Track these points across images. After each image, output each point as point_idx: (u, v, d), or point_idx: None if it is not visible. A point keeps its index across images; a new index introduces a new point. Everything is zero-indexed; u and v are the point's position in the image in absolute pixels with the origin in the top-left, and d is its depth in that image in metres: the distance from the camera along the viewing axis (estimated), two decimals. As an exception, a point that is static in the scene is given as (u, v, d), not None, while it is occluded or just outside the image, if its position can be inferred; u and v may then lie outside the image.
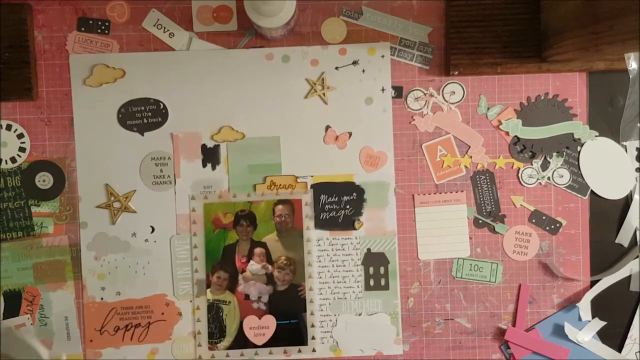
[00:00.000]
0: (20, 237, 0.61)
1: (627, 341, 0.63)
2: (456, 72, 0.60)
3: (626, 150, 0.62)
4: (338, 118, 0.62)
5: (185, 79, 0.61)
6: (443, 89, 0.62)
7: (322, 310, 0.62)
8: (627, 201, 0.63)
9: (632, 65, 0.55)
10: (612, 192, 0.62)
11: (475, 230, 0.62)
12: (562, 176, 0.62)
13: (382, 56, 0.61)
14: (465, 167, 0.62)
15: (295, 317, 0.62)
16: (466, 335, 0.63)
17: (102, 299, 0.62)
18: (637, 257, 0.62)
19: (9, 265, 0.61)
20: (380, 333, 0.62)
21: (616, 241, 0.63)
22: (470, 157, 0.62)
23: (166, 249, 0.62)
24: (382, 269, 0.62)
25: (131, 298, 0.62)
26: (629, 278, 0.62)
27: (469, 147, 0.62)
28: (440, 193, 0.62)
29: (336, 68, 0.61)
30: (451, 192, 0.62)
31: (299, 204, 0.62)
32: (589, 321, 0.62)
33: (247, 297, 0.62)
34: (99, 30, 0.61)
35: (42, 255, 0.61)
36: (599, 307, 0.62)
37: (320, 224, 0.62)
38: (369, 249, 0.62)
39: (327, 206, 0.62)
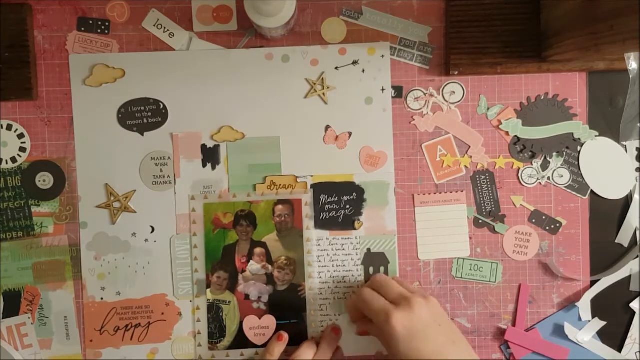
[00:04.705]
0: (20, 237, 0.61)
1: (627, 341, 0.63)
2: (456, 72, 0.60)
3: (626, 150, 0.62)
4: (338, 118, 0.62)
5: (185, 79, 0.61)
6: (443, 89, 0.62)
7: (322, 310, 0.62)
8: (627, 201, 0.63)
9: (632, 65, 0.55)
10: (612, 192, 0.62)
11: (475, 230, 0.62)
12: (562, 176, 0.62)
13: (382, 56, 0.61)
14: (465, 167, 0.62)
15: (296, 317, 0.62)
16: (466, 335, 0.63)
17: (102, 299, 0.62)
18: (637, 257, 0.62)
19: (9, 265, 0.61)
20: (380, 333, 0.62)
21: (616, 241, 0.63)
22: (470, 157, 0.62)
23: (166, 249, 0.62)
24: (382, 269, 0.62)
25: (131, 298, 0.62)
26: (629, 278, 0.62)
27: (469, 147, 0.62)
28: (440, 193, 0.62)
29: (336, 68, 0.61)
30: (451, 192, 0.62)
31: (299, 204, 0.62)
32: (589, 321, 0.62)
33: (247, 297, 0.62)
34: (99, 30, 0.61)
35: (42, 255, 0.61)
36: (599, 307, 0.62)
37: (320, 224, 0.62)
38: (369, 249, 0.62)
39: (327, 206, 0.62)
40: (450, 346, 0.52)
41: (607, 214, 0.63)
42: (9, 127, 0.61)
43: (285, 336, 0.61)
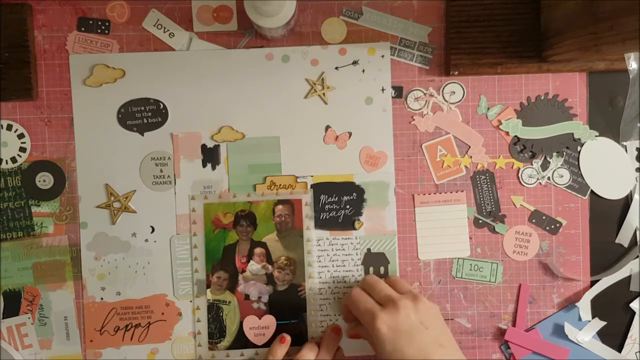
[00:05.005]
0: (21, 237, 0.61)
1: (627, 341, 0.63)
2: (456, 72, 0.60)
3: (626, 150, 0.62)
4: (338, 118, 0.62)
5: (185, 79, 0.61)
6: (443, 89, 0.62)
7: (322, 310, 0.62)
8: (627, 201, 0.63)
9: (632, 65, 0.55)
10: (612, 192, 0.62)
11: (475, 230, 0.62)
12: (562, 176, 0.62)
13: (382, 56, 0.61)
14: (465, 167, 0.62)
15: (295, 317, 0.62)
16: (466, 335, 0.63)
17: (102, 299, 0.62)
18: (637, 257, 0.62)
19: (9, 265, 0.61)
20: (380, 333, 0.62)
21: (616, 241, 0.63)
22: (470, 157, 0.62)
23: (166, 249, 0.62)
24: (382, 269, 0.62)
25: (131, 298, 0.62)
26: (629, 278, 0.62)
27: (469, 147, 0.62)
28: (440, 193, 0.62)
29: (336, 68, 0.61)
30: (451, 192, 0.62)
31: (299, 204, 0.62)
32: (589, 321, 0.62)
33: (247, 297, 0.62)
34: (99, 30, 0.61)
35: (42, 255, 0.61)
36: (599, 307, 0.62)
37: (320, 224, 0.62)
38: (369, 249, 0.62)
39: (327, 206, 0.62)
40: (436, 348, 0.52)
41: (607, 214, 0.63)
42: (9, 127, 0.61)
43: (288, 338, 0.60)
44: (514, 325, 0.63)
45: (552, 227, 0.62)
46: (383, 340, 0.52)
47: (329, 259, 0.62)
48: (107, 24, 0.61)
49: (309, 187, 0.62)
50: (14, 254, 0.61)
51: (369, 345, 0.62)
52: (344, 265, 0.62)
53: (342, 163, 0.62)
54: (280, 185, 0.62)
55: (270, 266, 0.62)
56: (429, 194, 0.62)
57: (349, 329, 0.61)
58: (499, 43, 0.60)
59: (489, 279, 0.63)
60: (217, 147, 0.62)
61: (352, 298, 0.57)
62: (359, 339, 0.61)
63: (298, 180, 0.62)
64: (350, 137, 0.62)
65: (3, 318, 0.61)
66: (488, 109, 0.62)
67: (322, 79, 0.61)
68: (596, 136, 0.62)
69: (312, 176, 0.62)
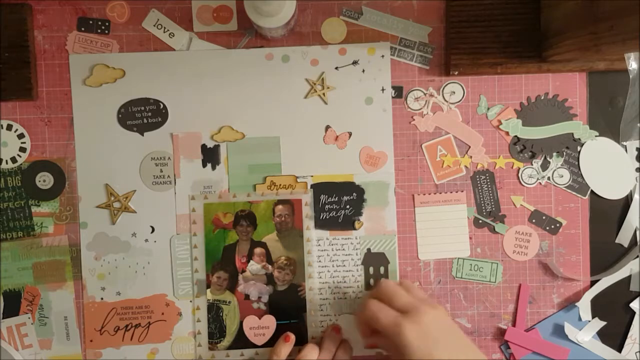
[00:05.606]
0: (21, 237, 0.61)
1: (627, 341, 0.63)
2: (456, 72, 0.60)
3: (626, 150, 0.62)
4: (338, 118, 0.62)
5: (185, 79, 0.61)
6: (443, 89, 0.62)
7: (322, 310, 0.62)
8: (627, 201, 0.63)
9: (632, 65, 0.55)
10: (612, 192, 0.62)
11: (475, 230, 0.62)
12: (562, 176, 0.62)
13: (382, 56, 0.61)
14: (465, 167, 0.62)
15: (296, 317, 0.62)
16: (466, 335, 0.63)
17: (102, 299, 0.62)
18: (637, 257, 0.62)
19: (9, 265, 0.61)
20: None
21: (616, 241, 0.63)
22: (470, 157, 0.62)
23: (166, 249, 0.62)
24: (382, 269, 0.62)
25: (131, 298, 0.62)
26: (629, 278, 0.62)
27: (469, 147, 0.62)
28: (440, 193, 0.62)
29: (336, 68, 0.61)
30: (451, 192, 0.62)
31: (299, 204, 0.62)
32: (589, 321, 0.62)
33: (247, 297, 0.62)
34: (99, 30, 0.61)
35: (42, 255, 0.61)
36: (599, 307, 0.62)
37: (320, 224, 0.62)
38: (369, 249, 0.62)
39: (327, 206, 0.62)
40: (464, 349, 0.53)
41: (607, 214, 0.63)
42: (9, 127, 0.61)
43: (292, 337, 0.60)
44: (514, 325, 0.63)
45: (552, 227, 0.62)
46: (412, 350, 0.51)
47: (329, 259, 0.62)
48: (107, 24, 0.61)
49: (309, 187, 0.62)
50: (14, 254, 0.61)
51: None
52: (344, 265, 0.62)
53: (342, 163, 0.62)
54: (280, 185, 0.62)
55: (270, 266, 0.62)
56: (429, 194, 0.62)
57: (366, 340, 0.59)
58: (499, 43, 0.60)
59: (489, 279, 0.63)
60: (217, 147, 0.62)
61: (370, 310, 0.54)
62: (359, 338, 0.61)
63: (298, 180, 0.62)
64: (350, 137, 0.62)
65: (3, 318, 0.61)
66: (488, 109, 0.62)
67: (322, 79, 0.61)
68: (596, 136, 0.62)
69: (312, 176, 0.62)
